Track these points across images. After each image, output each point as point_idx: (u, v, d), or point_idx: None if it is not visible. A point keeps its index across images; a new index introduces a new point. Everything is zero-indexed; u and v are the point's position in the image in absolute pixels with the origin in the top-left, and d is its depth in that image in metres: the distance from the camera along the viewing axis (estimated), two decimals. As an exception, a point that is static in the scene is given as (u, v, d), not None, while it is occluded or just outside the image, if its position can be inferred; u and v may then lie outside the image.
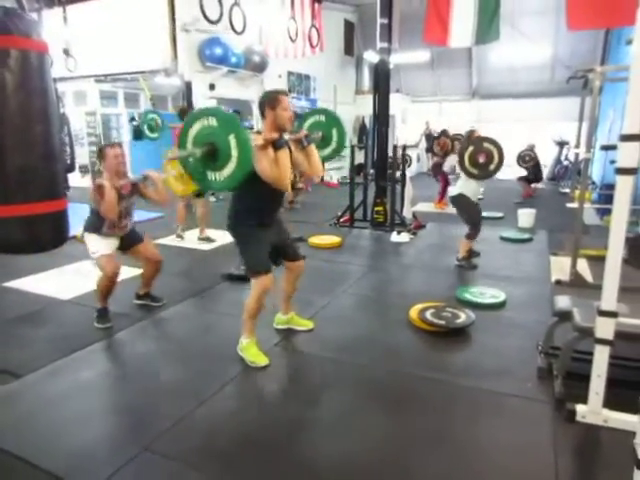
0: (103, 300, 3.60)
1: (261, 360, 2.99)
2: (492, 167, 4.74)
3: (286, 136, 2.90)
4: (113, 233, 3.59)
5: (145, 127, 8.85)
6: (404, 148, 7.09)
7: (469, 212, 5.03)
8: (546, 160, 11.66)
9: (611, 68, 6.85)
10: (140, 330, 3.58)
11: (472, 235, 5.04)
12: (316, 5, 6.72)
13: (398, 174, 6.90)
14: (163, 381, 2.87)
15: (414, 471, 2.13)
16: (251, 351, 3.02)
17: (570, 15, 5.59)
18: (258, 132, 2.92)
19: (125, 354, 3.36)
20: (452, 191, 5.19)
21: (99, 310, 3.60)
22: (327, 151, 3.53)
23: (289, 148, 2.86)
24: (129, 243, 3.73)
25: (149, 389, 2.79)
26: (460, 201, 5.01)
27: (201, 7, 3.72)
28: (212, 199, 8.76)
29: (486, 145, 4.73)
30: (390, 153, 7.04)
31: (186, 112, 6.26)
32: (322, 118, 3.53)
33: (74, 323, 3.65)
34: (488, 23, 6.38)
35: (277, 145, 2.74)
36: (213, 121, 2.48)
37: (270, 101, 2.87)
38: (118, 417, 2.58)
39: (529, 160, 10.14)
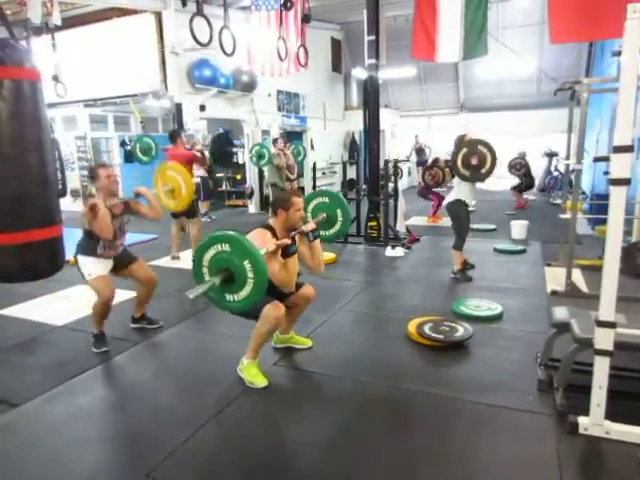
0: (99, 324, 3.57)
1: (260, 381, 2.96)
2: (484, 170, 4.73)
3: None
4: (107, 254, 3.56)
5: (137, 149, 8.86)
6: (396, 162, 7.14)
7: (459, 221, 5.08)
8: (536, 171, 11.75)
9: (598, 80, 6.95)
10: (137, 354, 3.55)
11: (458, 245, 5.09)
12: (303, 24, 6.80)
13: (391, 186, 6.94)
14: (162, 405, 2.84)
15: (420, 490, 2.11)
16: (251, 372, 3.00)
17: (553, 29, 5.70)
18: (268, 226, 3.05)
19: (122, 379, 3.32)
20: (447, 199, 5.18)
21: (95, 335, 3.57)
22: (332, 231, 3.63)
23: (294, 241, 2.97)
24: (122, 264, 3.70)
25: (148, 414, 2.75)
26: (455, 208, 5.06)
27: (191, 31, 3.76)
28: (204, 219, 8.76)
29: (480, 148, 4.72)
30: (382, 165, 7.09)
31: (177, 134, 6.26)
32: (325, 199, 3.62)
33: (70, 349, 3.61)
34: (476, 38, 6.48)
35: (288, 252, 2.87)
36: (227, 247, 2.53)
37: (284, 203, 3.07)
38: (118, 444, 2.54)
39: (520, 168, 10.17)
